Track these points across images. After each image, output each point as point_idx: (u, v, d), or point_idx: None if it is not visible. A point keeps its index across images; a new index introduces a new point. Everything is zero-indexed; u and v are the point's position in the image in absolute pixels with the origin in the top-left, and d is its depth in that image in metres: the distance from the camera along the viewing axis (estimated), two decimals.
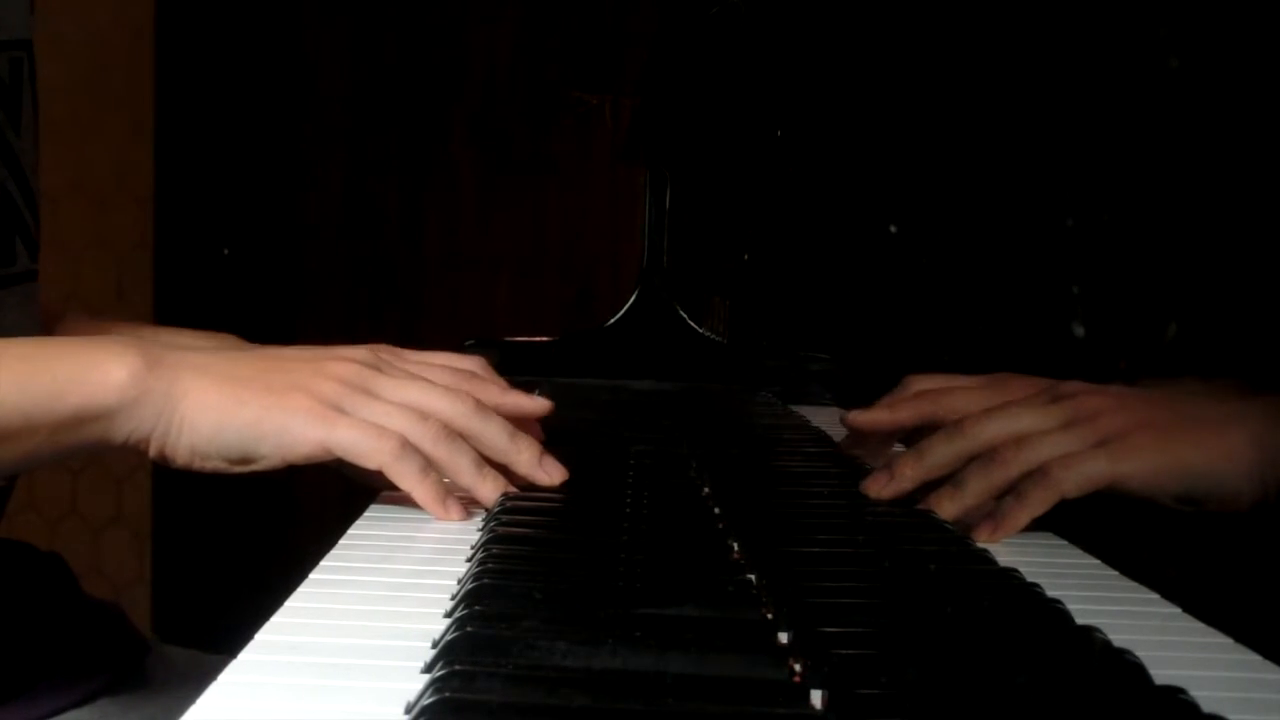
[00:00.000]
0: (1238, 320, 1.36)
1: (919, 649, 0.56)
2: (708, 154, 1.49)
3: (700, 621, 0.57)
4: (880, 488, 0.86)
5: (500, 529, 0.72)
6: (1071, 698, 0.51)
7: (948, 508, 0.83)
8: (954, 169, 1.61)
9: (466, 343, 1.40)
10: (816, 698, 0.49)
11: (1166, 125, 1.42)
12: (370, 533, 0.76)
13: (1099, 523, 0.83)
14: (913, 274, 1.63)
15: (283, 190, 2.53)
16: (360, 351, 0.83)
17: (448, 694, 0.46)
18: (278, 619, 0.58)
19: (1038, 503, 0.80)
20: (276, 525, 2.45)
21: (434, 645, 0.54)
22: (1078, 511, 0.81)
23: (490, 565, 0.64)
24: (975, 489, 0.82)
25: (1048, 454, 0.81)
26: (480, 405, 0.83)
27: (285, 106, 2.52)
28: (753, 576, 0.65)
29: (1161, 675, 0.53)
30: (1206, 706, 0.50)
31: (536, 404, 0.88)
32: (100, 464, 2.47)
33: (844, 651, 0.53)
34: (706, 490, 0.86)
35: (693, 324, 1.41)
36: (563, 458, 0.84)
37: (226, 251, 2.52)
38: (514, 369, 1.38)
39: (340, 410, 0.78)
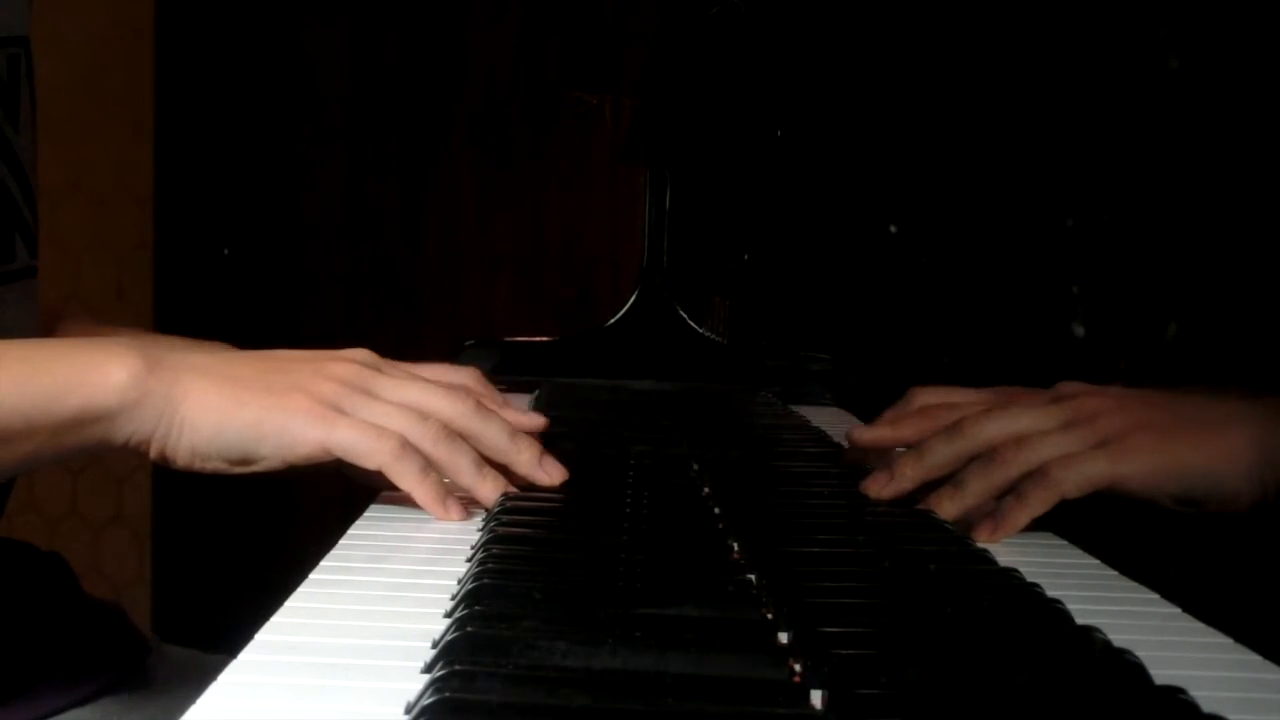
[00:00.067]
0: (1238, 320, 1.36)
1: (919, 649, 0.56)
2: (708, 154, 1.49)
3: (700, 621, 0.57)
4: (880, 488, 0.86)
5: (500, 529, 0.72)
6: (1071, 698, 0.51)
7: (948, 508, 0.83)
8: (954, 169, 1.61)
9: (467, 343, 1.40)
10: (816, 698, 0.49)
11: (1166, 126, 1.42)
12: (370, 533, 0.76)
13: (1099, 523, 0.83)
14: (913, 274, 1.63)
15: (283, 190, 2.53)
16: (360, 352, 0.83)
17: (448, 694, 0.46)
18: (278, 619, 0.58)
19: (1038, 503, 0.80)
20: (276, 525, 2.45)
21: (434, 645, 0.54)
22: (1078, 511, 0.82)
23: (490, 565, 0.64)
24: (975, 489, 0.82)
25: (1047, 454, 0.81)
26: (480, 405, 0.83)
27: (285, 106, 2.52)
28: (753, 576, 0.65)
29: (1161, 675, 0.53)
30: (1206, 706, 0.50)
31: (532, 420, 0.88)
32: (100, 464, 2.47)
33: (844, 651, 0.53)
34: (706, 490, 0.86)
35: (693, 324, 1.41)
36: (563, 458, 0.84)
37: (226, 251, 2.52)
38: (514, 369, 1.39)
39: (340, 411, 0.78)
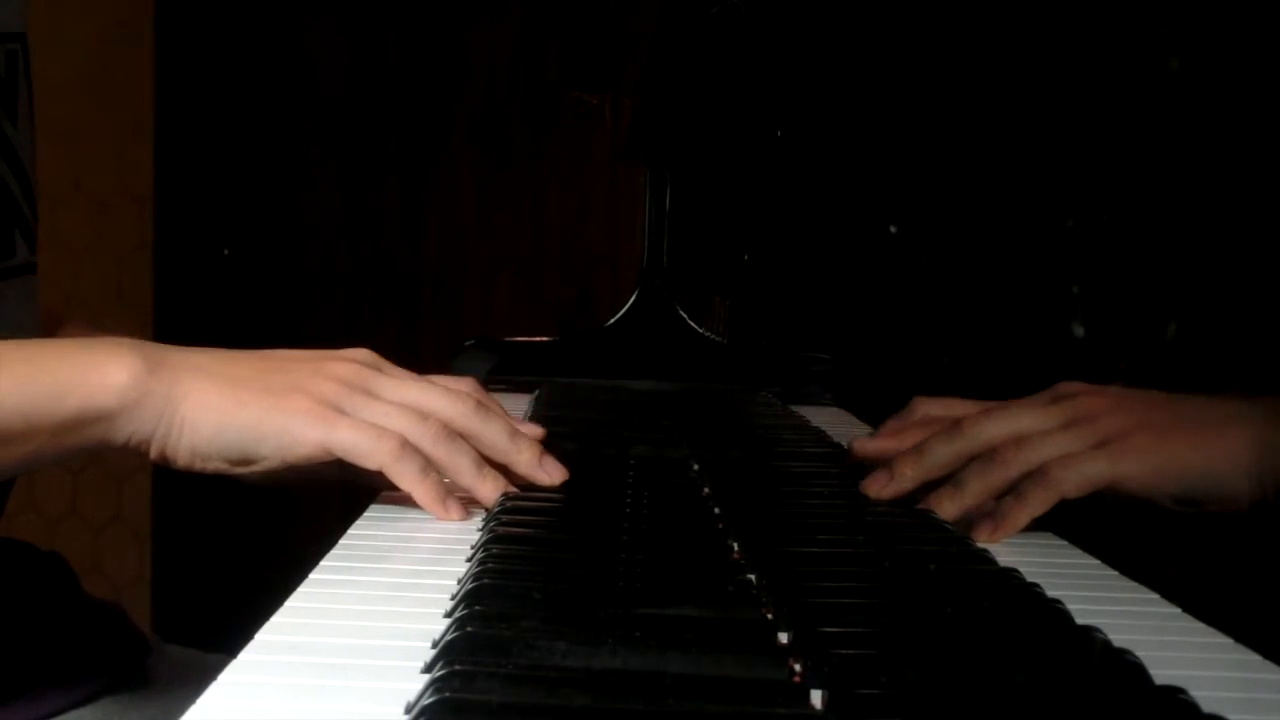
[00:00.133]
0: (1238, 320, 1.36)
1: (919, 649, 0.56)
2: (708, 154, 1.49)
3: (700, 621, 0.57)
4: (880, 488, 0.86)
5: (500, 529, 0.72)
6: (1071, 698, 0.51)
7: (948, 508, 0.83)
8: (954, 170, 1.61)
9: (466, 343, 1.40)
10: (816, 698, 0.49)
11: (1166, 126, 1.42)
12: (370, 533, 0.76)
13: (1099, 523, 0.83)
14: (913, 274, 1.63)
15: (283, 190, 2.53)
16: (360, 352, 0.83)
17: (448, 694, 0.46)
18: (278, 619, 0.58)
19: (1037, 503, 0.80)
20: (276, 525, 2.45)
21: (434, 645, 0.54)
22: (1078, 511, 0.82)
23: (490, 565, 0.64)
24: (975, 489, 0.82)
25: (1047, 454, 0.81)
26: (480, 405, 0.83)
27: (285, 106, 2.52)
28: (753, 576, 0.65)
29: (1161, 675, 0.53)
30: (1206, 706, 0.50)
31: (530, 431, 0.88)
32: (100, 464, 2.47)
33: (844, 651, 0.53)
34: (706, 490, 0.86)
35: (693, 324, 1.41)
36: (563, 458, 0.84)
37: (226, 252, 2.52)
38: (514, 369, 1.39)
39: (340, 411, 0.78)
